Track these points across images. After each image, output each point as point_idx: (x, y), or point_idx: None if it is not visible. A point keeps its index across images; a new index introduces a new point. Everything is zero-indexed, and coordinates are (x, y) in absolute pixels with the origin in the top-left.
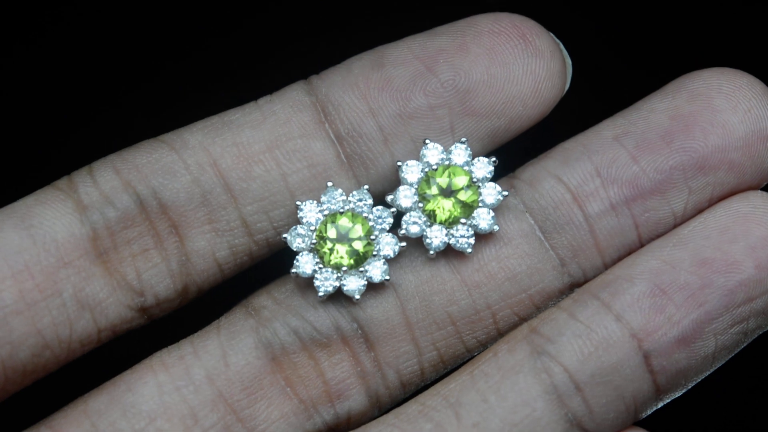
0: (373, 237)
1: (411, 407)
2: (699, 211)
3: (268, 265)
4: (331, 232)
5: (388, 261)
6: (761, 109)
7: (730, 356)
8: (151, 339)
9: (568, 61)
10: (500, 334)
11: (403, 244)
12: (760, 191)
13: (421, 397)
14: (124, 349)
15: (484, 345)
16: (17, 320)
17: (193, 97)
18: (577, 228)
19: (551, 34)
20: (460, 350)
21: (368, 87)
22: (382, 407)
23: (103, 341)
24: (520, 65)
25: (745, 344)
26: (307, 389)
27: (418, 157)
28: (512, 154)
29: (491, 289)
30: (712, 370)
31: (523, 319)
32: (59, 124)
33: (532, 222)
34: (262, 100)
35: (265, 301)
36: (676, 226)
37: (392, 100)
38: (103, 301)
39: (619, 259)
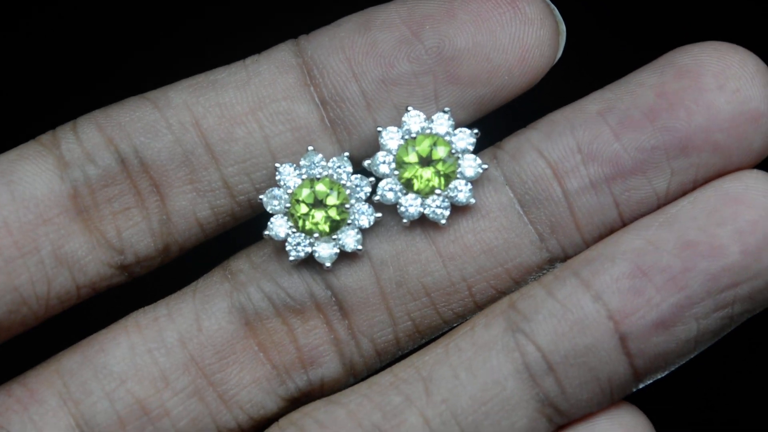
0: (348, 205)
1: (384, 378)
2: (683, 191)
3: (254, 224)
4: (307, 197)
5: (363, 231)
6: (751, 88)
7: (716, 340)
8: (130, 295)
9: (562, 27)
10: (477, 306)
11: (379, 215)
12: (755, 170)
13: (395, 368)
14: (103, 305)
15: (461, 317)
16: None
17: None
18: (556, 204)
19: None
20: (436, 321)
21: (353, 51)
22: (357, 375)
23: (84, 298)
24: (507, 33)
25: (731, 328)
26: (280, 355)
27: (400, 124)
28: (499, 120)
29: (467, 261)
30: (695, 353)
31: (501, 293)
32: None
33: (512, 195)
34: (249, 60)
35: (243, 264)
36: (659, 206)
37: (376, 66)
38: (82, 258)
39: (600, 237)
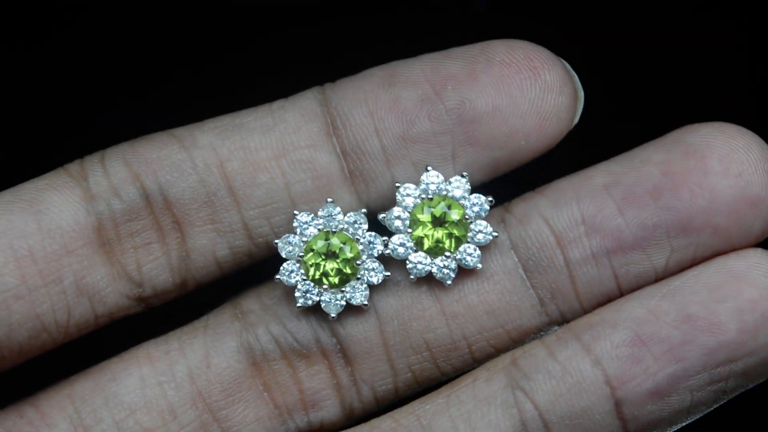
0: (359, 262)
1: (385, 422)
2: (682, 268)
3: (267, 264)
4: (321, 248)
5: (371, 286)
6: (753, 174)
7: (709, 410)
8: (142, 321)
9: (581, 94)
10: (476, 362)
11: (388, 273)
12: (759, 249)
13: (396, 413)
14: (114, 329)
15: (459, 371)
16: (17, 304)
17: (214, 98)
18: (558, 272)
19: (565, 64)
20: (435, 374)
21: (377, 105)
22: (355, 419)
23: (101, 326)
24: (526, 99)
25: (724, 401)
26: (284, 396)
27: (417, 181)
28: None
29: (469, 320)
30: (688, 422)
31: (499, 351)
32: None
33: (516, 260)
34: (275, 104)
35: (253, 305)
36: (657, 280)
37: (397, 122)
38: (103, 289)
39: (598, 305)
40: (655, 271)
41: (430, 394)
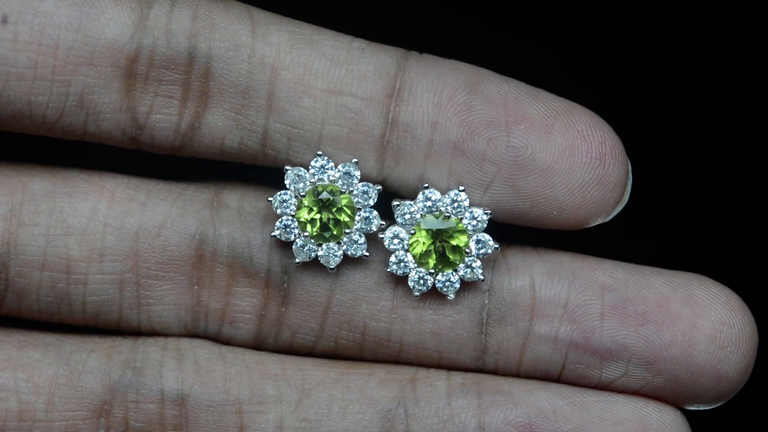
0: (354, 212)
1: (274, 364)
2: (623, 391)
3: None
4: (313, 202)
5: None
6: (734, 354)
7: None
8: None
9: (625, 198)
10: (398, 366)
11: (383, 223)
12: (674, 410)
13: (288, 361)
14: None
15: (379, 364)
16: (17, 83)
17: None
18: (516, 334)
19: (629, 165)
20: (355, 356)
21: (448, 102)
22: (261, 349)
23: (86, 140)
24: (580, 178)
25: None
26: (210, 298)
27: (443, 185)
28: None
29: (413, 330)
30: None
31: (419, 367)
32: None
33: (486, 303)
34: (357, 43)
35: (233, 202)
36: (596, 388)
37: (458, 128)
38: (104, 113)
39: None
40: (599, 382)
41: (328, 362)
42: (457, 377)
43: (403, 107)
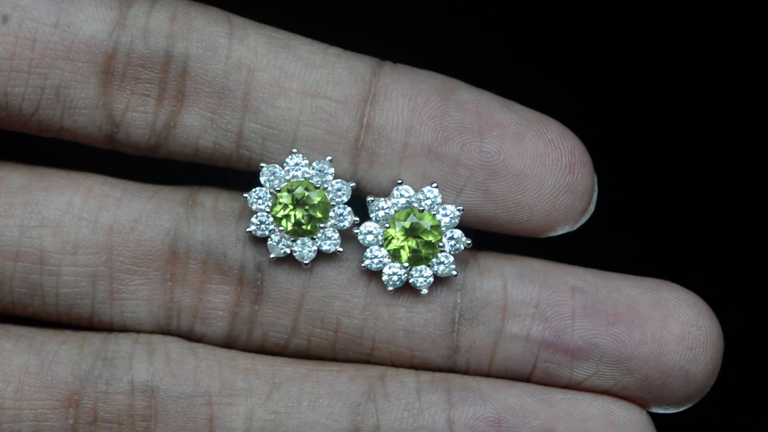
0: (328, 208)
1: (244, 359)
2: (594, 391)
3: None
4: (288, 200)
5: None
6: (702, 355)
7: None
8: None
9: (591, 208)
10: (368, 363)
11: (357, 219)
12: (645, 414)
13: (258, 357)
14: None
15: (350, 362)
16: None
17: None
18: (488, 333)
19: (595, 178)
20: (327, 354)
21: (423, 107)
22: (232, 348)
23: (62, 138)
24: (550, 185)
25: None
26: (183, 295)
27: (417, 189)
28: None
29: (385, 328)
30: None
31: (394, 366)
32: None
33: (458, 302)
34: (333, 49)
35: (208, 202)
36: (566, 387)
37: (433, 133)
38: (80, 108)
39: (505, 378)
40: (569, 381)
41: (297, 360)
42: (425, 375)
43: (377, 111)
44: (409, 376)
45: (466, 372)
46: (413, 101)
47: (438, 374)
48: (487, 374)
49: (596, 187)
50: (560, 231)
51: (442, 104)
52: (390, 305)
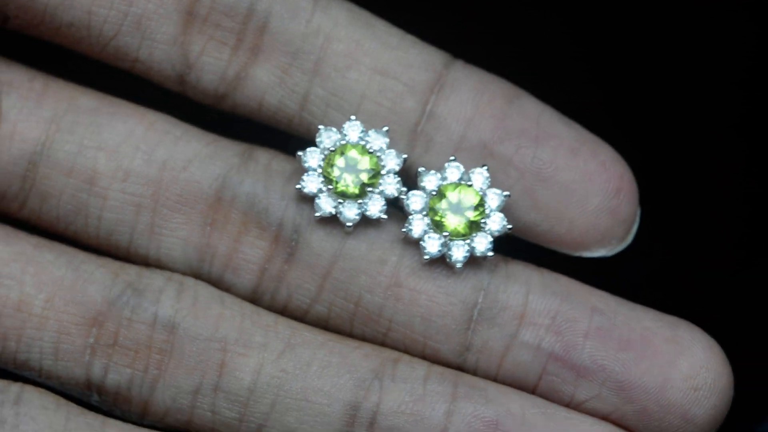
0: (378, 175)
1: (267, 317)
2: (592, 414)
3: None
4: (340, 162)
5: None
6: (705, 399)
7: None
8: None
9: (629, 238)
10: (383, 345)
11: (404, 188)
12: None
13: (282, 319)
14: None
15: (365, 339)
16: None
17: None
18: (501, 336)
19: (639, 210)
20: (345, 327)
21: (487, 106)
22: (257, 304)
23: (135, 71)
24: (595, 203)
25: None
26: (220, 241)
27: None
28: None
29: (404, 311)
30: None
31: (407, 351)
32: None
33: (480, 301)
34: (410, 37)
35: (264, 158)
36: (566, 405)
37: (492, 131)
38: (158, 43)
39: (510, 385)
40: (571, 400)
41: (318, 328)
42: (438, 367)
43: (442, 101)
44: (421, 364)
45: (474, 372)
46: (478, 97)
47: (450, 369)
48: (494, 378)
49: (638, 219)
50: (595, 253)
51: (506, 106)
52: (413, 290)
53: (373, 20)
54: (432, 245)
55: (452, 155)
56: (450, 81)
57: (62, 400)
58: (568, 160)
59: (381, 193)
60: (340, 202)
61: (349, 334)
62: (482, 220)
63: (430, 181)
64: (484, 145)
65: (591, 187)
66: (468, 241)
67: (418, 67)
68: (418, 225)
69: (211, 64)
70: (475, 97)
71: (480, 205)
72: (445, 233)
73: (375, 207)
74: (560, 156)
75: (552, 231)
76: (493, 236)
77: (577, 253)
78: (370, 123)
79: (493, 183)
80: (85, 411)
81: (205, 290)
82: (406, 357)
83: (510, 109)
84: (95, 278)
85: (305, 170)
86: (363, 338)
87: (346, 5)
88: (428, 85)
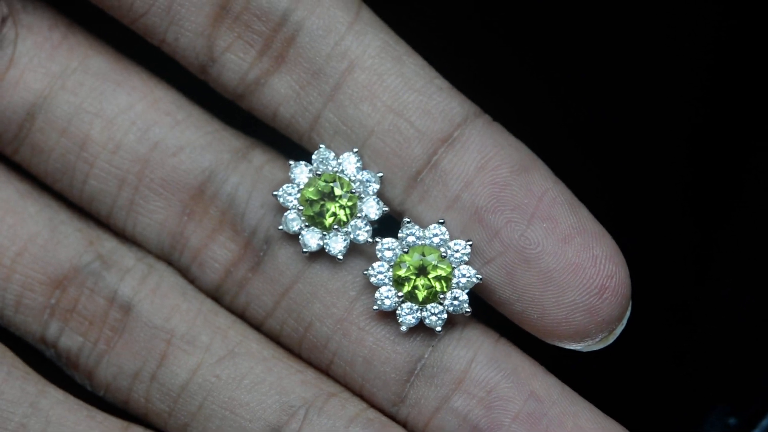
0: (354, 213)
1: (223, 319)
2: None
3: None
4: (313, 193)
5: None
6: None
7: None
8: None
9: (609, 339)
10: (326, 376)
11: (386, 208)
12: None
13: (238, 323)
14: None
15: (311, 364)
16: None
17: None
18: (435, 398)
19: (627, 313)
20: (295, 348)
21: (489, 172)
22: (219, 303)
23: (162, 50)
24: (571, 299)
25: None
26: (193, 234)
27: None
28: None
29: (348, 348)
30: None
31: (345, 388)
32: None
33: (426, 357)
34: (438, 81)
35: (259, 161)
36: None
37: (487, 199)
38: (185, 30)
39: None
40: None
41: (274, 344)
42: (372, 412)
43: (449, 155)
44: (355, 405)
45: (404, 425)
46: (485, 161)
47: (383, 417)
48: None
49: (624, 322)
50: (567, 345)
51: (510, 176)
52: (362, 330)
53: (407, 56)
54: (408, 316)
55: (442, 216)
56: (464, 137)
57: (6, 359)
58: (556, 246)
59: (346, 233)
60: (307, 225)
61: (298, 356)
62: (441, 295)
63: (412, 235)
64: (475, 210)
65: (572, 281)
66: (441, 302)
67: (436, 115)
68: (380, 274)
69: (234, 62)
70: (481, 160)
71: (447, 279)
72: (399, 294)
73: (361, 233)
74: (550, 240)
75: (523, 313)
76: (447, 312)
77: (547, 341)
78: (372, 159)
79: (476, 250)
80: (28, 375)
81: (171, 278)
82: (346, 393)
83: (513, 180)
84: (69, 242)
85: (289, 181)
86: (309, 363)
87: (384, 36)
88: (440, 135)
